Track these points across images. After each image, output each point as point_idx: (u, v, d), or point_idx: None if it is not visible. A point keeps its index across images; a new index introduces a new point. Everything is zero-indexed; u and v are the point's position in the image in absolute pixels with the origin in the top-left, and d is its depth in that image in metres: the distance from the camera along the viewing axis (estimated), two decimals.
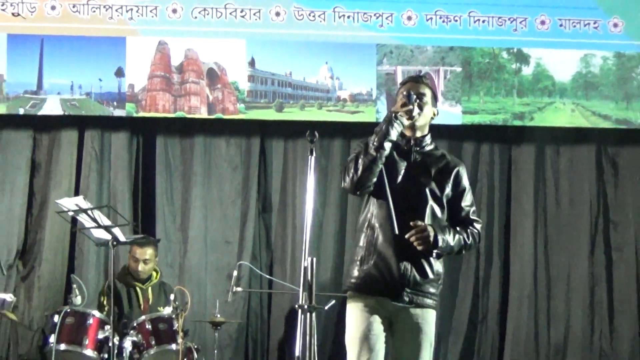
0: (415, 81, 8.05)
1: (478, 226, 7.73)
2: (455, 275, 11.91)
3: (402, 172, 7.62)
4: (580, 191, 12.25)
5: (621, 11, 12.02)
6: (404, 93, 7.74)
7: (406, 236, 7.36)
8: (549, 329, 12.14)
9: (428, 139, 7.83)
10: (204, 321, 11.23)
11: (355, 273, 7.71)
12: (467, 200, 7.85)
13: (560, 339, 12.11)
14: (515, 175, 12.31)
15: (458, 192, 7.79)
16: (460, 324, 11.84)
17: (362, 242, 7.75)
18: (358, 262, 7.72)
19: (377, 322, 7.68)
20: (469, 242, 7.70)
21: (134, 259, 11.04)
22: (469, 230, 7.72)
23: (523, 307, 12.20)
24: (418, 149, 7.75)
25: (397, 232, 7.43)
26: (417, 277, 7.53)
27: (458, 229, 7.65)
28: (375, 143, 7.48)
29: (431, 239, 7.34)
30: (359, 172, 7.48)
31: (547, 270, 12.17)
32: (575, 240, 12.22)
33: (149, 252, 11.08)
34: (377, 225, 7.71)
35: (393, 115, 7.60)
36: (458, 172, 7.81)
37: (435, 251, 7.45)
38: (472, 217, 7.84)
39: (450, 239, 7.49)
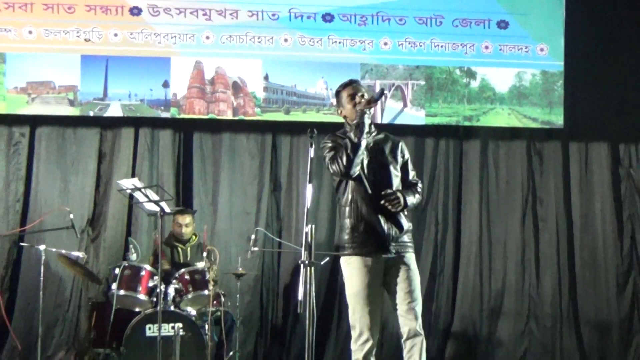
0: (354, 82, 8.42)
1: (420, 185, 8.26)
2: (419, 239, 11.96)
3: (364, 154, 7.93)
4: (514, 176, 12.38)
5: (546, 39, 12.11)
6: (356, 95, 8.05)
7: (382, 202, 7.82)
8: (490, 280, 12.26)
9: (373, 128, 8.16)
10: (229, 273, 11.35)
11: (350, 240, 8.04)
12: (410, 166, 8.32)
13: (498, 288, 12.24)
14: (465, 163, 12.41)
15: (404, 161, 8.27)
16: (423, 276, 11.87)
17: (349, 214, 8.08)
18: (349, 231, 8.05)
19: (374, 279, 8.01)
20: (420, 198, 8.22)
21: (177, 225, 11.26)
22: (418, 189, 8.19)
23: (470, 264, 12.32)
24: (369, 136, 8.08)
25: (374, 200, 7.90)
26: (397, 232, 7.98)
27: (412, 189, 8.11)
28: (359, 136, 7.83)
29: (402, 201, 7.83)
30: (351, 160, 7.79)
31: (489, 236, 12.30)
32: (510, 213, 12.35)
33: (188, 218, 11.34)
34: (359, 199, 8.04)
35: (361, 111, 7.89)
36: (401, 146, 8.29)
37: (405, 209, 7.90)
38: (416, 179, 8.31)
39: (412, 198, 7.99)
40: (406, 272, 8.08)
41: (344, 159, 7.91)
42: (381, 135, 8.32)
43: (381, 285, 8.11)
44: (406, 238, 8.17)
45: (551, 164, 12.50)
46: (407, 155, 8.38)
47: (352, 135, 7.97)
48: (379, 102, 11.40)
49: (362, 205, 8.10)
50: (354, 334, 8.07)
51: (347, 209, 8.18)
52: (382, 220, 8.04)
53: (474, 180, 12.34)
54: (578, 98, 12.22)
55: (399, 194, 7.93)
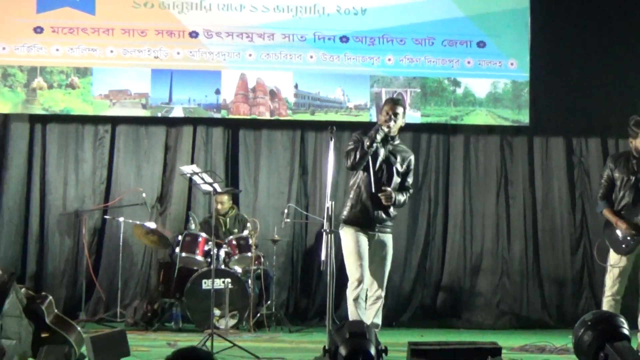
0: (394, 103, 8.71)
1: (411, 191, 8.93)
2: (416, 212, 11.99)
3: (381, 156, 8.50)
4: (490, 163, 12.37)
5: (515, 55, 12.08)
6: (387, 113, 8.54)
7: (379, 194, 8.41)
8: (472, 245, 12.25)
9: (397, 139, 8.74)
10: (267, 239, 11.42)
11: (349, 213, 8.64)
12: (410, 177, 8.89)
13: (478, 251, 12.24)
14: (452, 153, 12.36)
15: (407, 170, 8.81)
16: (419, 241, 11.88)
17: (352, 195, 8.69)
18: (349, 207, 8.67)
19: (363, 241, 8.57)
20: (405, 199, 8.80)
21: (216, 202, 11.19)
22: (408, 193, 8.87)
23: (456, 232, 12.30)
24: (391, 142, 8.56)
25: (374, 191, 8.42)
26: (384, 217, 8.60)
27: (403, 192, 8.75)
28: (367, 143, 8.37)
29: (393, 199, 8.45)
30: (357, 160, 8.42)
31: (471, 209, 12.28)
32: (487, 192, 12.33)
33: (225, 197, 11.47)
34: (362, 186, 8.58)
35: (379, 127, 8.47)
36: (410, 160, 8.86)
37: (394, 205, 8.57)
38: (410, 186, 8.90)
39: (400, 197, 8.65)
40: (383, 249, 8.75)
41: (354, 158, 8.47)
42: (401, 147, 8.84)
43: (367, 250, 8.48)
44: (389, 223, 8.79)
45: (519, 153, 12.47)
46: (411, 167, 8.91)
47: (366, 141, 8.39)
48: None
49: (363, 192, 8.61)
50: (349, 283, 8.60)
51: (352, 192, 8.72)
52: (375, 207, 8.54)
53: (459, 166, 12.29)
54: (540, 102, 12.17)
55: (392, 194, 8.52)
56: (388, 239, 8.81)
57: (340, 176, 11.74)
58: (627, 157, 9.14)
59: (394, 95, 11.98)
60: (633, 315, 9.09)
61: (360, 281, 8.53)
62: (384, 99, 11.89)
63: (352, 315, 8.53)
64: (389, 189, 8.55)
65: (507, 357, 7.71)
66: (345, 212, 8.70)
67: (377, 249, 8.70)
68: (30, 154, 12.11)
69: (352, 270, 8.60)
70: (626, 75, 12.38)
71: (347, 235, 8.66)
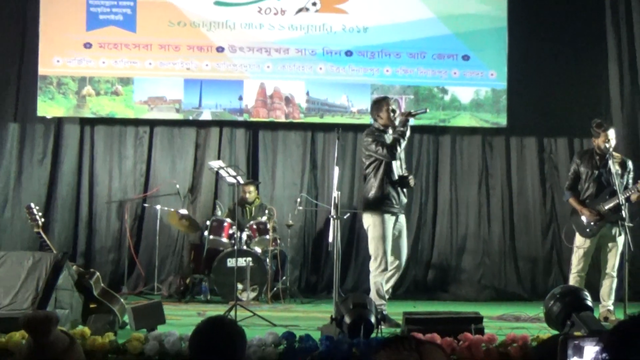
0: (390, 101, 9.11)
1: None
2: (410, 201, 11.76)
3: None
4: (473, 158, 12.32)
5: (494, 67, 12.02)
6: (394, 110, 8.87)
7: (409, 177, 8.89)
8: (457, 228, 12.20)
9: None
10: (282, 224, 11.38)
11: (378, 200, 8.60)
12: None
13: (463, 233, 12.21)
14: (441, 150, 12.32)
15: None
16: (412, 226, 11.72)
17: (377, 184, 8.62)
18: (378, 195, 8.60)
19: (390, 224, 8.66)
20: None
21: (244, 192, 11.40)
22: None
23: (444, 217, 12.24)
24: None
25: (397, 178, 8.69)
26: (404, 199, 8.90)
27: None
28: (404, 133, 8.62)
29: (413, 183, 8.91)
30: (397, 152, 8.60)
31: (456, 198, 12.22)
32: (470, 183, 12.27)
33: (251, 188, 11.47)
34: (386, 177, 8.64)
35: (405, 122, 8.73)
36: None
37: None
38: None
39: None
40: (403, 227, 8.92)
41: (398, 149, 8.60)
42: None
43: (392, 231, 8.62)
44: (404, 205, 8.97)
45: (498, 151, 12.42)
46: None
47: (391, 134, 8.71)
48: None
49: (388, 181, 8.63)
50: (375, 263, 8.67)
51: (377, 182, 8.62)
52: (397, 192, 8.69)
53: (446, 162, 12.23)
54: (516, 107, 12.10)
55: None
56: (404, 218, 9.02)
57: (345, 170, 11.70)
58: (591, 154, 9.33)
59: (392, 101, 11.97)
60: (595, 289, 9.15)
61: (385, 269, 8.68)
62: None
63: (374, 294, 8.59)
64: (411, 174, 9.06)
65: (487, 325, 7.68)
66: (373, 200, 8.65)
67: (399, 228, 8.85)
68: (80, 152, 12.11)
69: (379, 255, 8.66)
70: (589, 83, 12.33)
71: (376, 220, 8.64)
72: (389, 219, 8.70)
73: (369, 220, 8.74)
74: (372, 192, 8.68)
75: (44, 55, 11.80)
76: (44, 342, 3.42)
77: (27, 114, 11.96)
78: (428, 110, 9.62)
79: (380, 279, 8.66)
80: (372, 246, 8.71)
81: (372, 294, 8.60)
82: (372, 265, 8.72)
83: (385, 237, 8.63)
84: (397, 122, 8.79)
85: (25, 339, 6.38)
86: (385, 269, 8.67)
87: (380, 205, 8.65)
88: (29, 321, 3.52)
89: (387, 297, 8.77)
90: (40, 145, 12.05)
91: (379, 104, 9.00)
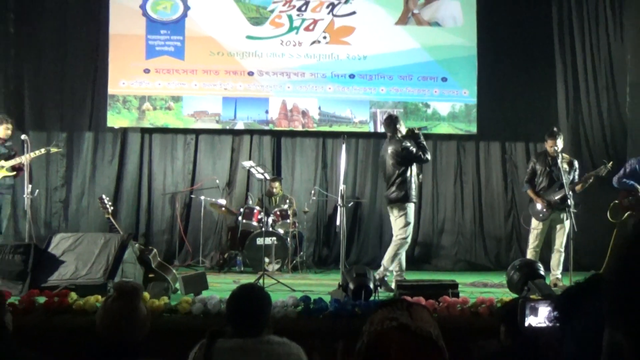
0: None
1: None
2: None
3: None
4: (450, 159, 12.26)
5: (467, 86, 11.99)
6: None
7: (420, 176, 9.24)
8: (438, 214, 12.17)
9: None
10: (300, 211, 11.36)
11: (411, 195, 8.74)
12: None
13: (442, 218, 12.21)
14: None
15: None
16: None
17: (410, 180, 8.77)
18: (409, 191, 8.74)
19: (414, 212, 8.99)
20: None
21: (271, 186, 11.27)
22: None
23: (427, 206, 12.17)
24: None
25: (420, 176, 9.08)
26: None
27: None
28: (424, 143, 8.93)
29: None
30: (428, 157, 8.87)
31: (437, 190, 12.19)
32: (448, 178, 12.21)
33: (277, 183, 11.43)
34: (414, 175, 8.86)
35: (417, 131, 9.01)
36: None
37: None
38: None
39: None
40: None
41: (428, 154, 8.86)
42: None
43: None
44: None
45: (469, 153, 12.37)
46: None
47: (422, 142, 8.91)
48: (380, 122, 11.52)
49: (412, 179, 8.79)
50: (405, 242, 8.80)
51: (411, 178, 8.77)
52: (415, 187, 8.90)
53: (430, 164, 12.04)
54: (484, 118, 12.07)
55: None
56: None
57: (349, 168, 11.65)
58: (545, 154, 9.47)
59: (385, 114, 11.95)
60: (547, 262, 9.18)
61: (409, 241, 8.97)
62: (378, 117, 11.93)
63: (395, 264, 8.78)
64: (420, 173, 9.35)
65: (462, 290, 7.67)
66: (407, 194, 8.71)
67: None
68: (141, 155, 12.11)
69: (409, 235, 8.81)
70: (542, 99, 12.31)
71: (409, 209, 8.75)
72: (414, 207, 8.94)
73: (404, 209, 8.76)
74: (406, 188, 8.73)
75: (113, 78, 11.82)
76: (133, 307, 3.46)
77: (99, 125, 11.96)
78: (427, 128, 9.72)
79: (404, 249, 8.85)
80: (404, 229, 8.74)
81: (394, 265, 8.78)
82: (402, 243, 8.76)
83: (412, 220, 8.85)
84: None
85: (99, 302, 6.40)
86: (408, 244, 8.98)
87: (411, 197, 8.74)
88: (122, 288, 3.56)
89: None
90: (109, 149, 12.06)
91: (397, 119, 9.06)
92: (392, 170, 8.81)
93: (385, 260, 8.77)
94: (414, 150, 8.71)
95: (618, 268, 0.90)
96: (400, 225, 8.75)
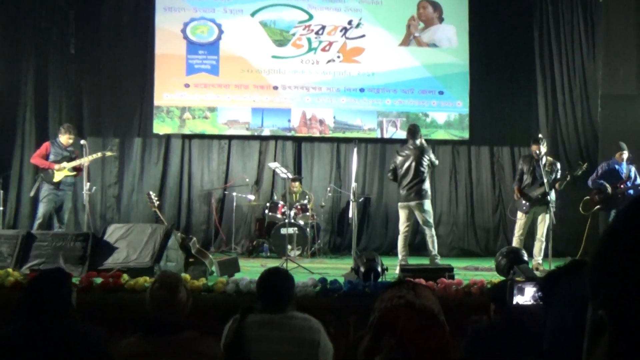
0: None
1: None
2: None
3: None
4: (446, 161, 12.11)
5: (460, 98, 11.97)
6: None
7: None
8: (435, 208, 12.00)
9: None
10: (317, 205, 11.38)
11: (429, 192, 9.08)
12: None
13: (439, 212, 12.09)
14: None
15: None
16: None
17: (428, 181, 9.18)
18: (430, 188, 9.18)
19: None
20: None
21: (292, 185, 11.22)
22: None
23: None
24: None
25: None
26: None
27: None
28: None
29: None
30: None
31: (435, 188, 11.95)
32: (444, 178, 12.13)
33: (297, 183, 11.36)
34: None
35: None
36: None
37: None
38: None
39: None
40: None
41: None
42: None
43: None
44: None
45: (463, 156, 12.31)
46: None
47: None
48: (387, 128, 11.47)
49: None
50: (433, 229, 9.28)
51: (428, 180, 9.15)
52: None
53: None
54: (475, 126, 12.04)
55: None
56: None
57: (359, 168, 11.53)
58: (531, 157, 9.54)
59: (390, 124, 11.96)
60: (530, 249, 9.22)
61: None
62: (384, 125, 11.93)
63: (436, 246, 9.25)
64: None
65: (456, 273, 7.65)
66: (429, 191, 9.08)
67: None
68: (182, 157, 12.11)
69: (433, 221, 9.44)
70: (525, 109, 12.27)
71: (430, 203, 9.24)
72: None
73: (428, 204, 9.08)
74: (428, 187, 9.09)
75: (158, 92, 11.85)
76: (173, 295, 3.51)
77: (146, 131, 11.99)
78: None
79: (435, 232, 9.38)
80: (430, 219, 9.15)
81: (435, 246, 9.22)
82: (432, 230, 9.17)
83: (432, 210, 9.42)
84: None
85: (147, 283, 6.43)
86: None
87: (429, 194, 9.08)
88: (164, 280, 3.61)
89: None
90: (155, 153, 12.08)
91: (417, 128, 9.49)
92: (421, 172, 9.01)
93: (435, 247, 9.18)
94: (433, 156, 9.36)
95: (600, 250, 0.90)
96: (432, 213, 9.28)
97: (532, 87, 12.31)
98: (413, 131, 9.30)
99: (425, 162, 9.06)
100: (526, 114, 12.30)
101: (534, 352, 2.16)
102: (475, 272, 8.83)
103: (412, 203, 8.99)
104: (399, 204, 9.23)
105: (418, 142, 9.14)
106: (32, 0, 11.78)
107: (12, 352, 3.30)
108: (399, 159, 9.17)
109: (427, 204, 9.05)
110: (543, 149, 9.29)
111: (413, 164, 8.99)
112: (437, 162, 9.43)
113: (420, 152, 9.06)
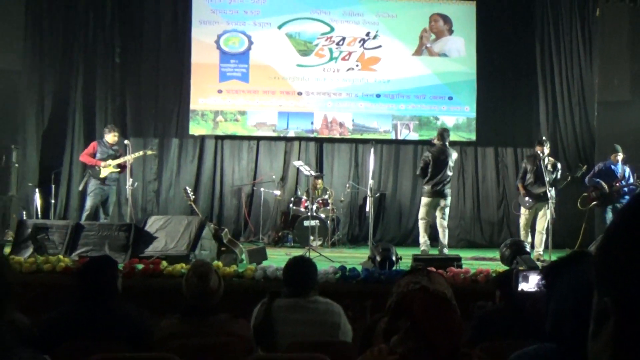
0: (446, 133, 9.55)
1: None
2: (415, 188, 11.92)
3: None
4: (457, 161, 12.19)
5: (468, 103, 11.93)
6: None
7: None
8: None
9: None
10: (337, 200, 11.36)
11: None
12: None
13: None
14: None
15: None
16: (416, 203, 11.75)
17: None
18: None
19: None
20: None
21: (315, 182, 11.20)
22: None
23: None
24: None
25: None
26: None
27: None
28: None
29: None
30: None
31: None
32: (453, 177, 11.80)
33: (320, 180, 11.28)
34: None
35: None
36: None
37: None
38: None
39: None
40: None
41: None
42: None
43: None
44: None
45: (470, 156, 12.25)
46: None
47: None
48: (401, 130, 11.41)
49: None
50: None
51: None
52: None
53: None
54: (481, 129, 11.99)
55: None
56: None
57: (376, 167, 11.50)
58: (534, 157, 9.49)
59: (404, 126, 11.93)
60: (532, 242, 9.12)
61: None
62: (398, 128, 11.90)
63: (446, 237, 9.40)
64: None
65: (464, 263, 7.62)
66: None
67: None
68: (215, 156, 12.12)
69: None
70: (527, 112, 12.19)
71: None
72: None
73: (449, 201, 9.35)
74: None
75: (194, 97, 11.88)
76: (205, 283, 3.54)
77: (183, 133, 12.03)
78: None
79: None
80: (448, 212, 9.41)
81: (446, 238, 9.37)
82: (446, 222, 9.38)
83: None
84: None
85: (184, 269, 6.46)
86: None
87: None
88: (197, 269, 3.65)
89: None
90: (191, 152, 12.11)
91: (444, 132, 9.57)
92: (450, 171, 9.27)
93: (446, 240, 9.29)
94: None
95: (606, 240, 0.89)
96: (448, 210, 9.38)
97: (533, 94, 12.22)
98: (445, 135, 9.43)
99: (452, 162, 9.29)
100: (528, 118, 12.20)
101: (535, 335, 2.15)
102: (481, 262, 8.77)
103: (441, 198, 9.20)
104: (428, 198, 9.23)
105: (447, 144, 9.27)
106: (83, 14, 11.88)
107: (66, 330, 3.35)
108: (432, 158, 9.20)
109: (449, 200, 9.43)
110: (546, 150, 9.25)
111: (451, 165, 9.28)
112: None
113: (450, 154, 9.27)
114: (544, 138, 9.55)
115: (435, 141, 9.45)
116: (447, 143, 9.34)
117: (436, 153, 9.26)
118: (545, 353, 1.65)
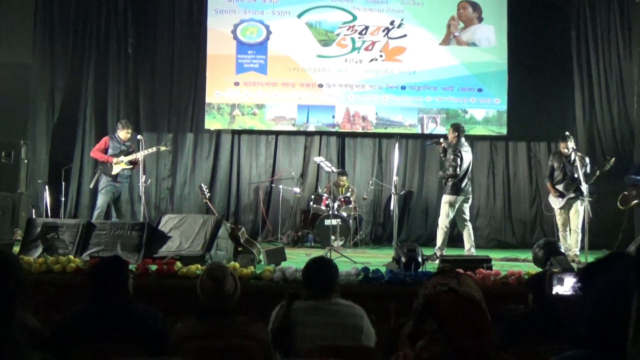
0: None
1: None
2: (440, 184, 11.88)
3: None
4: (484, 156, 12.05)
5: (498, 95, 11.87)
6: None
7: None
8: (474, 201, 11.94)
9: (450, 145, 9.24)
10: (360, 198, 11.35)
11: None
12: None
13: (477, 205, 11.98)
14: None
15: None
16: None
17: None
18: None
19: None
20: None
21: (339, 178, 11.24)
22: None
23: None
24: None
25: None
26: None
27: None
28: None
29: None
30: None
31: (473, 182, 11.86)
32: (482, 172, 12.03)
33: (344, 177, 11.35)
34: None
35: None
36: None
37: None
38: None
39: None
40: None
41: None
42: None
43: None
44: None
45: (500, 151, 12.21)
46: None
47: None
48: (427, 124, 11.37)
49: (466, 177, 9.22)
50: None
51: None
52: None
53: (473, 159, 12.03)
54: (512, 122, 11.91)
55: None
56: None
57: (400, 163, 11.51)
58: (560, 154, 9.49)
59: (430, 120, 11.89)
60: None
61: None
62: (425, 122, 11.87)
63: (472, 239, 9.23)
64: None
65: (494, 264, 7.58)
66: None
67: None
68: (231, 151, 12.17)
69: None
70: (561, 105, 12.10)
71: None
72: None
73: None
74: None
75: (209, 90, 11.94)
76: (220, 287, 3.57)
77: (198, 127, 12.09)
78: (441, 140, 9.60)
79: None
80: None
81: (471, 239, 9.19)
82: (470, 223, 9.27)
83: None
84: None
85: (199, 270, 6.49)
86: None
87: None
88: (212, 273, 3.67)
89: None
90: (206, 147, 12.17)
91: (456, 127, 9.41)
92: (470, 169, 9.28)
93: (472, 242, 9.13)
94: None
95: None
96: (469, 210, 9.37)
97: (568, 85, 12.12)
98: (463, 131, 9.38)
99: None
100: (563, 110, 12.10)
101: (568, 339, 2.14)
102: (512, 264, 8.71)
103: (469, 197, 9.27)
104: (457, 197, 9.08)
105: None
106: (95, 5, 11.98)
107: (79, 332, 3.41)
108: (465, 156, 9.11)
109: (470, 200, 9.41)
110: (571, 144, 9.26)
111: (471, 161, 9.31)
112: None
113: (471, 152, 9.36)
114: (567, 133, 9.47)
115: (453, 136, 9.26)
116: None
117: (465, 150, 9.24)
118: (585, 359, 1.64)
